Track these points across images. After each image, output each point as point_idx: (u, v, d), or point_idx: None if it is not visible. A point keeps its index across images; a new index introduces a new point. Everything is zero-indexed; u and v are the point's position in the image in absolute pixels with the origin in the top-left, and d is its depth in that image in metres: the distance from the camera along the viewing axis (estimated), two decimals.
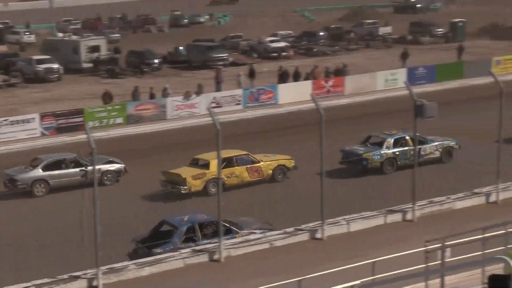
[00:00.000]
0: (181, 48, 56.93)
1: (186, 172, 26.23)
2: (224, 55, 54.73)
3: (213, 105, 38.50)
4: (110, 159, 28.56)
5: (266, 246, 19.89)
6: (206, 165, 26.46)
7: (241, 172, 26.81)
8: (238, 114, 39.25)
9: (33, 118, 36.04)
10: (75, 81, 50.24)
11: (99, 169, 27.18)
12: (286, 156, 28.09)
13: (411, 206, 21.74)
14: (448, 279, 14.33)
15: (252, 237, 20.12)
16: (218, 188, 20.09)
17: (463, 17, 66.03)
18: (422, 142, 28.30)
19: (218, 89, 42.97)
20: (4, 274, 19.71)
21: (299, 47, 60.02)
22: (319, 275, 16.71)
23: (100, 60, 53.32)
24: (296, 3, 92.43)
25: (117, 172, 28.42)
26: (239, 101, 40.67)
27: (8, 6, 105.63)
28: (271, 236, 20.18)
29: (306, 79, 44.18)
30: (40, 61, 51.09)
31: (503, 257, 8.16)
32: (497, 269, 11.89)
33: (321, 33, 63.57)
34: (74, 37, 58.68)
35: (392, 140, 28.15)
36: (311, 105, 21.06)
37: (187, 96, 39.68)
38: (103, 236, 17.71)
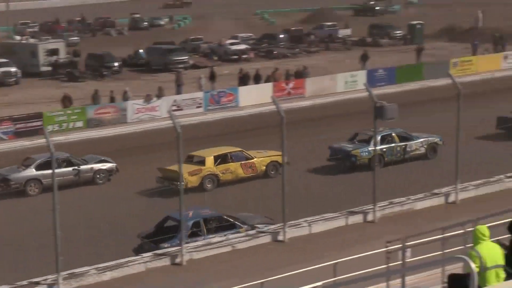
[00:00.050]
0: (141, 51, 56.61)
1: (183, 168, 26.28)
2: (185, 58, 54.56)
3: (174, 108, 38.36)
4: (102, 158, 28.90)
5: (228, 249, 19.86)
6: (202, 162, 27.18)
7: (235, 168, 27.42)
8: (199, 117, 39.16)
9: None
10: (33, 85, 49.62)
11: (92, 168, 28.10)
12: (278, 152, 27.87)
13: (372, 207, 21.90)
14: (409, 279, 14.45)
15: (214, 240, 20.08)
16: (181, 189, 19.98)
17: (421, 20, 66.73)
18: (408, 139, 29.19)
19: (178, 92, 42.83)
20: None
21: (259, 50, 60.11)
22: (281, 277, 16.72)
23: (59, 64, 52.74)
24: (255, 6, 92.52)
25: (109, 171, 28.68)
26: (200, 104, 40.58)
27: None
28: (233, 239, 20.16)
29: (267, 81, 44.26)
30: None
31: (462, 256, 8.25)
32: (457, 268, 12.02)
33: (282, 36, 63.73)
34: (32, 40, 57.98)
35: (379, 137, 28.40)
36: (272, 107, 21.11)
37: (147, 99, 39.48)
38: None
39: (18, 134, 35.78)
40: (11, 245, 22.38)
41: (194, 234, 20.25)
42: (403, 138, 29.23)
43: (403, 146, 29.03)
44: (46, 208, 25.00)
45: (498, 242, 10.69)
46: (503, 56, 50.57)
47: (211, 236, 20.20)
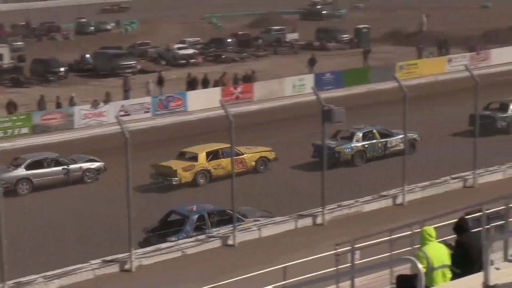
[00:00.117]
0: (87, 56, 56.04)
1: (176, 164, 27.72)
2: (132, 62, 54.17)
3: (122, 113, 38.05)
4: (91, 158, 29.40)
5: (178, 254, 19.78)
6: (194, 158, 28.09)
7: (227, 164, 27.69)
8: (147, 122, 38.94)
9: None
10: None
11: (80, 167, 28.70)
12: (267, 148, 29.42)
13: (321, 210, 22.04)
14: (358, 280, 14.56)
15: (163, 245, 19.97)
16: (130, 190, 19.83)
17: (368, 23, 67.45)
18: (388, 135, 30.02)
19: (126, 97, 42.51)
20: None
21: (207, 54, 60.05)
22: (231, 281, 16.73)
23: (3, 69, 51.84)
24: (202, 10, 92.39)
25: (97, 170, 29.19)
26: (148, 109, 40.35)
27: None
28: (183, 244, 20.09)
29: (215, 85, 44.24)
30: None
31: (410, 257, 8.36)
32: (405, 269, 12.18)
33: (229, 40, 63.76)
34: None
35: (361, 134, 29.44)
36: (221, 111, 21.12)
37: (94, 104, 39.10)
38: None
39: None
40: None
41: (199, 228, 20.82)
42: (383, 135, 30.05)
43: (384, 142, 29.82)
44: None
45: (444, 243, 10.87)
46: (447, 59, 51.42)
47: (215, 229, 20.78)
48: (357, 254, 15.59)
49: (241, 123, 26.25)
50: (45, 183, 28.01)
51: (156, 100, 40.87)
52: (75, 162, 28.97)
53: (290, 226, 21.66)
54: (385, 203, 23.42)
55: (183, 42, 62.69)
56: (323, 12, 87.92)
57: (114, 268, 18.74)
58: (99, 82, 50.92)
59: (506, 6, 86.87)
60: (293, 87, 44.67)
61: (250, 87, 43.98)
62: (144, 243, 20.50)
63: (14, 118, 37.22)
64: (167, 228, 20.87)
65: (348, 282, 14.39)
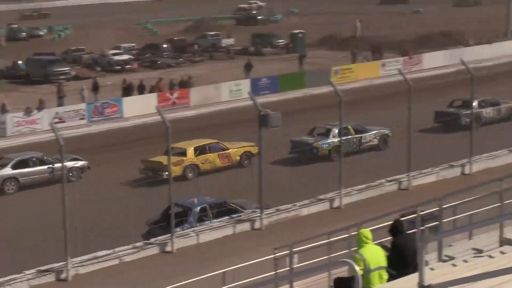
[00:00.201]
0: (20, 62, 55.03)
1: (166, 159, 28.00)
2: (66, 69, 53.40)
3: (56, 120, 37.43)
4: (74, 157, 29.56)
5: (116, 262, 19.57)
6: (183, 153, 29.11)
7: (213, 159, 29.48)
8: (83, 129, 38.43)
9: None
10: None
11: (66, 166, 28.28)
12: (250, 143, 30.01)
13: (259, 215, 22.10)
14: (297, 284, 14.65)
15: (100, 253, 19.72)
16: (64, 185, 19.54)
17: (303, 29, 67.99)
18: (362, 131, 31.16)
19: (60, 104, 41.88)
20: None
21: (143, 60, 59.62)
22: None
23: None
24: (137, 15, 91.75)
25: (81, 169, 29.48)
26: (83, 115, 39.82)
27: None
28: (120, 251, 19.88)
29: (151, 91, 43.93)
30: None
31: (347, 260, 8.45)
32: (342, 271, 12.31)
33: (165, 46, 63.46)
34: None
35: (337, 130, 29.96)
36: (157, 117, 21.02)
37: (28, 112, 38.40)
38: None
39: None
40: None
41: (200, 219, 21.72)
42: (358, 131, 31.11)
43: (359, 138, 30.92)
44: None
45: (381, 245, 11.01)
46: (381, 64, 52.18)
47: (216, 220, 21.66)
48: (296, 258, 15.70)
49: (178, 129, 26.20)
50: (31, 182, 28.51)
51: (91, 107, 40.38)
52: (59, 161, 28.81)
53: (228, 231, 21.66)
54: (323, 206, 23.63)
55: (118, 48, 62.12)
56: (258, 17, 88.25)
57: (50, 278, 18.44)
58: (32, 88, 50.02)
59: (436, 11, 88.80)
60: (229, 92, 44.70)
61: (186, 93, 43.84)
62: (147, 235, 21.28)
63: None
64: (169, 220, 21.41)
65: (287, 286, 14.47)
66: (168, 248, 20.35)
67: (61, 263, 18.69)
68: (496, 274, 6.83)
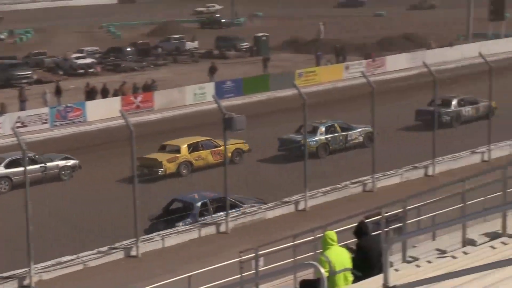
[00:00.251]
0: None
1: (161, 156, 29.65)
2: (28, 72, 52.81)
3: (18, 125, 37.00)
4: (66, 156, 30.16)
5: (80, 267, 19.41)
6: (177, 150, 29.91)
7: (206, 155, 30.29)
8: (46, 133, 38.03)
9: None
10: None
11: (57, 165, 29.56)
12: (240, 140, 30.92)
13: (224, 218, 22.10)
14: (263, 287, 14.68)
15: (64, 259, 19.54)
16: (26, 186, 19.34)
17: (266, 32, 68.11)
18: (348, 129, 31.99)
19: (22, 108, 41.42)
20: None
21: (106, 63, 59.23)
22: None
23: None
24: (95, 19, 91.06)
25: (73, 168, 29.94)
26: (46, 120, 39.42)
27: None
28: (84, 257, 19.72)
29: (114, 95, 43.66)
30: None
31: (312, 262, 8.49)
32: (308, 274, 12.35)
33: (128, 49, 63.09)
34: None
35: (324, 128, 31.11)
36: (121, 121, 20.89)
37: None
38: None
39: None
40: None
41: (202, 214, 22.42)
42: (344, 129, 31.88)
43: (345, 136, 31.68)
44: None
45: (346, 246, 11.08)
46: (344, 66, 52.48)
47: (216, 215, 22.33)
48: (261, 261, 15.72)
49: (142, 132, 26.07)
50: (24, 181, 27.95)
51: (54, 111, 39.99)
52: (51, 160, 29.71)
53: (193, 235, 21.62)
54: (288, 209, 23.69)
55: (81, 51, 61.61)
56: (222, 20, 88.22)
57: (12, 285, 18.21)
58: None
59: (398, 14, 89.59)
60: (194, 95, 44.60)
61: (150, 96, 43.64)
62: (150, 230, 21.81)
63: None
64: (170, 215, 22.29)
65: None
66: (133, 253, 20.23)
67: (24, 269, 18.48)
68: (459, 274, 6.91)
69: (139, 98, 43.10)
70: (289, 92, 37.84)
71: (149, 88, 45.36)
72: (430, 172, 26.92)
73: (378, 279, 8.63)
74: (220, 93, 42.94)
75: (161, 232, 21.31)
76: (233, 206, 22.88)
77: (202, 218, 22.33)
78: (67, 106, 40.88)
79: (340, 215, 16.79)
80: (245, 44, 66.15)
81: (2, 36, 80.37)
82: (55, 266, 19.11)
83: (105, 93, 44.08)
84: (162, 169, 29.16)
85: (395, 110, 34.25)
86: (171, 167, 29.33)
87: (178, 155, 29.76)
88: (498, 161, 26.43)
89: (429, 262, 10.49)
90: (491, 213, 10.76)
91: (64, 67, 57.11)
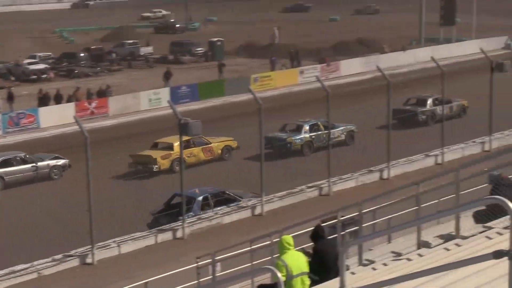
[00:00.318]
0: None
1: (155, 153, 30.25)
2: None
3: None
4: (56, 155, 30.44)
5: (34, 276, 19.16)
6: (170, 147, 30.31)
7: (198, 152, 30.87)
8: None
9: None
10: None
11: (48, 165, 29.93)
12: (229, 138, 31.93)
13: (180, 224, 22.02)
14: None
15: (18, 267, 19.26)
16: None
17: (221, 36, 68.10)
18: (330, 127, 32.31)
19: None
20: None
21: (59, 69, 58.58)
22: None
23: None
24: (48, 23, 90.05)
25: (63, 167, 30.14)
26: None
27: None
28: (39, 265, 19.46)
29: (68, 101, 43.20)
30: None
31: (269, 267, 8.50)
32: (265, 278, 12.37)
33: (82, 54, 62.53)
34: None
35: (308, 126, 31.83)
36: (76, 127, 20.70)
37: None
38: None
39: None
40: None
41: (203, 208, 23.01)
42: (326, 127, 31.70)
43: (328, 134, 30.97)
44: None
45: (303, 250, 11.12)
46: (299, 71, 52.74)
47: (217, 209, 23.05)
48: (218, 266, 15.70)
49: (96, 138, 25.84)
50: (16, 181, 29.04)
51: (6, 117, 39.42)
52: (42, 159, 30.03)
53: (150, 241, 21.49)
54: (245, 214, 23.72)
55: (33, 57, 60.87)
56: (176, 25, 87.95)
57: None
58: None
59: (352, 19, 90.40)
60: (149, 101, 44.38)
61: (105, 102, 43.29)
62: (152, 224, 22.32)
63: None
64: (171, 210, 22.66)
65: None
66: (89, 260, 20.04)
67: None
68: (414, 276, 6.99)
69: (94, 104, 42.73)
70: (244, 97, 37.91)
71: (103, 93, 45.01)
72: (385, 175, 27.20)
73: (334, 283, 8.69)
74: (176, 98, 42.79)
75: (117, 239, 21.14)
76: (232, 200, 23.70)
77: (203, 211, 22.95)
78: (20, 113, 40.34)
79: (296, 219, 16.85)
80: (200, 49, 66.06)
81: None
82: (9, 275, 18.83)
83: (58, 99, 43.60)
84: (156, 166, 29.69)
85: (349, 114, 34.53)
86: (165, 164, 29.90)
87: (171, 152, 30.17)
88: (451, 164, 26.82)
89: (385, 264, 10.58)
90: (445, 216, 10.90)
91: (16, 73, 56.35)
